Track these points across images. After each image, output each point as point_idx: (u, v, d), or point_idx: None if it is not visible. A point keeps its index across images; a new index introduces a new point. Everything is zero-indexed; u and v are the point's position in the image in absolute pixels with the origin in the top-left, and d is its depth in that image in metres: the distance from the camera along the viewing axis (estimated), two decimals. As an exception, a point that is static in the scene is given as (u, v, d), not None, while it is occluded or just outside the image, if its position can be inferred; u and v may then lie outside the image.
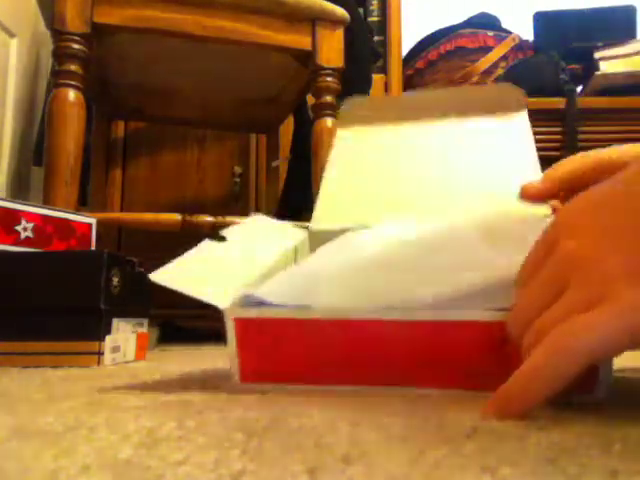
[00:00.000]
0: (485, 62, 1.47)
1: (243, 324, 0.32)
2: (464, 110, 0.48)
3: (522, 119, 0.47)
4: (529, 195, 0.39)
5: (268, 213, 1.39)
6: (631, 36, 1.47)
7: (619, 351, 0.23)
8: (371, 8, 1.60)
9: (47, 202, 0.80)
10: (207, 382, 0.37)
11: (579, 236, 0.25)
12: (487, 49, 1.50)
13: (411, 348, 0.30)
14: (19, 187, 1.45)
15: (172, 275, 0.34)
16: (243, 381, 0.33)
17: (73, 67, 0.83)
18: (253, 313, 0.32)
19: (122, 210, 1.40)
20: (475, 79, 1.47)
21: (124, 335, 0.58)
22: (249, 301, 0.33)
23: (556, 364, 0.23)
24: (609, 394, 0.28)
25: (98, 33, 0.86)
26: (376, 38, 1.53)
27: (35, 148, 1.43)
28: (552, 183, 0.38)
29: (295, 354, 0.32)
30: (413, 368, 0.30)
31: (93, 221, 0.70)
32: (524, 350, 0.25)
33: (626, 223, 0.24)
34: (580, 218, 0.26)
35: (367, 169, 0.48)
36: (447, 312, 0.30)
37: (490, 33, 1.53)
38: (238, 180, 1.45)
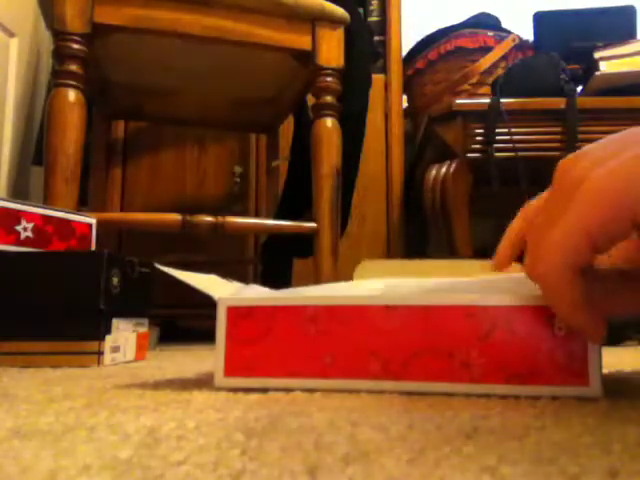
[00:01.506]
0: (485, 62, 1.47)
1: (235, 312, 0.32)
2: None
3: None
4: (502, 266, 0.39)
5: (268, 213, 1.39)
6: (631, 36, 1.47)
7: (586, 251, 0.24)
8: (371, 8, 1.60)
9: (47, 202, 0.80)
10: (207, 382, 0.37)
11: None
12: (487, 49, 1.50)
13: (402, 335, 0.30)
14: (19, 187, 1.45)
15: (178, 271, 0.35)
16: (228, 375, 0.32)
17: (73, 67, 0.83)
18: (246, 301, 0.32)
19: (122, 210, 1.40)
20: (475, 79, 1.47)
21: (124, 335, 0.58)
22: (245, 290, 0.33)
23: (551, 294, 0.26)
24: (608, 394, 0.28)
25: (98, 33, 0.86)
26: (376, 38, 1.53)
27: (35, 148, 1.43)
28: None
29: (285, 345, 0.32)
30: (405, 357, 0.30)
31: (93, 221, 0.70)
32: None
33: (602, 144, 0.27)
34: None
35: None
36: (435, 296, 0.30)
37: (490, 33, 1.53)
38: (238, 180, 1.45)
